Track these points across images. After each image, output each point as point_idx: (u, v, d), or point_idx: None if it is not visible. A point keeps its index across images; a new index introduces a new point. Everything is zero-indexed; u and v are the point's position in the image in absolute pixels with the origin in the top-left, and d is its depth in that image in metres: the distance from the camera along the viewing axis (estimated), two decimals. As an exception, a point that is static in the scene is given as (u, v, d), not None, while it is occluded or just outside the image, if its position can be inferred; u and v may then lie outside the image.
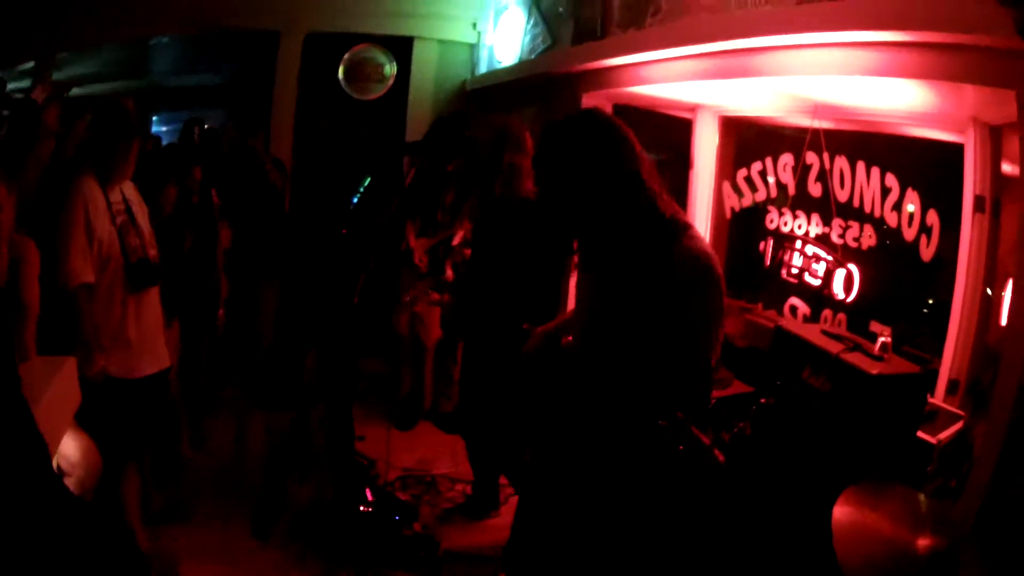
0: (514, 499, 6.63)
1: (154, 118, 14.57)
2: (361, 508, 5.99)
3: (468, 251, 6.97)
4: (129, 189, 5.52)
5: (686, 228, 3.50)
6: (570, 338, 4.37)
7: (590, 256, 3.85)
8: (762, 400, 4.53)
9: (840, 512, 3.19)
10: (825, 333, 4.63)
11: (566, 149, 3.53)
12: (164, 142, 10.02)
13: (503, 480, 6.78)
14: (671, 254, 3.39)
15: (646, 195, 3.50)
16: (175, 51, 15.12)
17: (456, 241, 7.27)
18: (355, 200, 6.24)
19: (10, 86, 11.72)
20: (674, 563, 3.67)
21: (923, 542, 3.07)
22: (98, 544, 1.66)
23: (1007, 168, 4.78)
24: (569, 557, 3.97)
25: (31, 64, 11.68)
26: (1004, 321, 4.55)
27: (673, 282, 3.36)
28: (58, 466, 3.84)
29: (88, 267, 5.10)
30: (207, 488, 6.67)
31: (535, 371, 4.40)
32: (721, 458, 3.35)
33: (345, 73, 11.16)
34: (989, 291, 4.87)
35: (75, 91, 12.60)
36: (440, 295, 7.42)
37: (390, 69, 11.20)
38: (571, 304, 4.90)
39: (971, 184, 4.91)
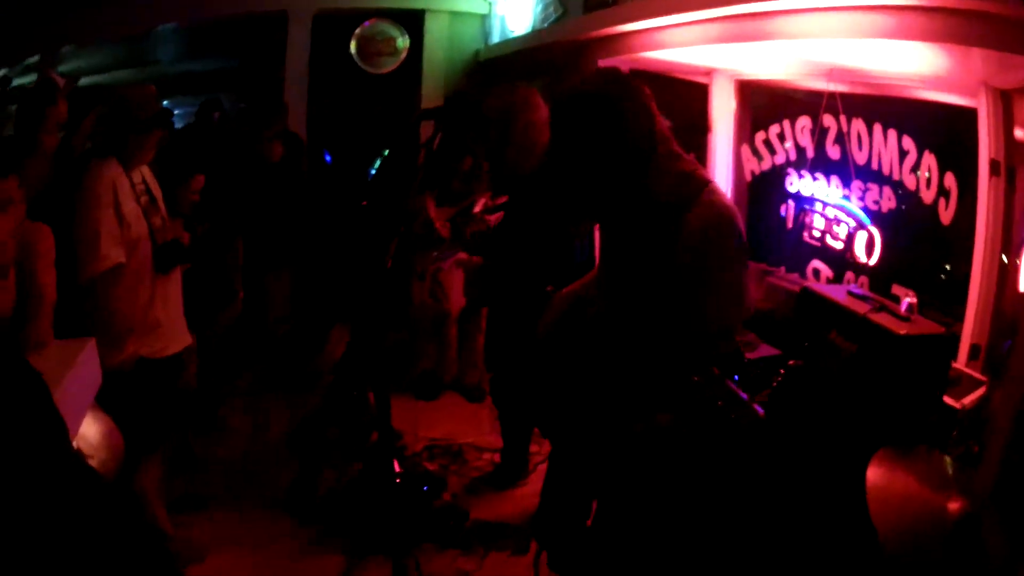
0: (543, 467, 6.68)
1: (164, 103, 14.49)
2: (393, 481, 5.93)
3: (490, 217, 6.97)
4: (146, 171, 5.51)
5: (706, 184, 3.50)
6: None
7: (607, 219, 3.86)
8: (790, 362, 4.54)
9: (872, 474, 3.22)
10: (851, 294, 4.61)
11: (580, 112, 3.53)
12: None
13: (533, 447, 6.78)
14: (685, 218, 3.39)
15: (662, 154, 3.50)
16: (181, 38, 15.02)
17: (477, 208, 7.26)
18: (372, 172, 6.27)
19: (15, 81, 11.75)
20: (710, 523, 3.70)
21: (952, 504, 3.11)
22: (119, 523, 1.69)
23: (1020, 133, 4.79)
24: (602, 523, 4.01)
25: (35, 59, 11.65)
26: (1022, 287, 4.57)
27: (689, 234, 3.37)
28: (79, 449, 3.88)
29: (120, 248, 5.06)
30: (225, 476, 6.67)
31: (557, 334, 4.42)
32: (761, 412, 3.38)
33: (357, 48, 11.11)
34: (1004, 258, 4.88)
35: (83, 81, 12.62)
36: (468, 255, 7.39)
37: (402, 42, 11.16)
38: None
39: (985, 149, 4.92)
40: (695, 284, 3.38)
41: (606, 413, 3.76)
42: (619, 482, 3.81)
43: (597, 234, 5.12)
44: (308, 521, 5.98)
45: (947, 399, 4.20)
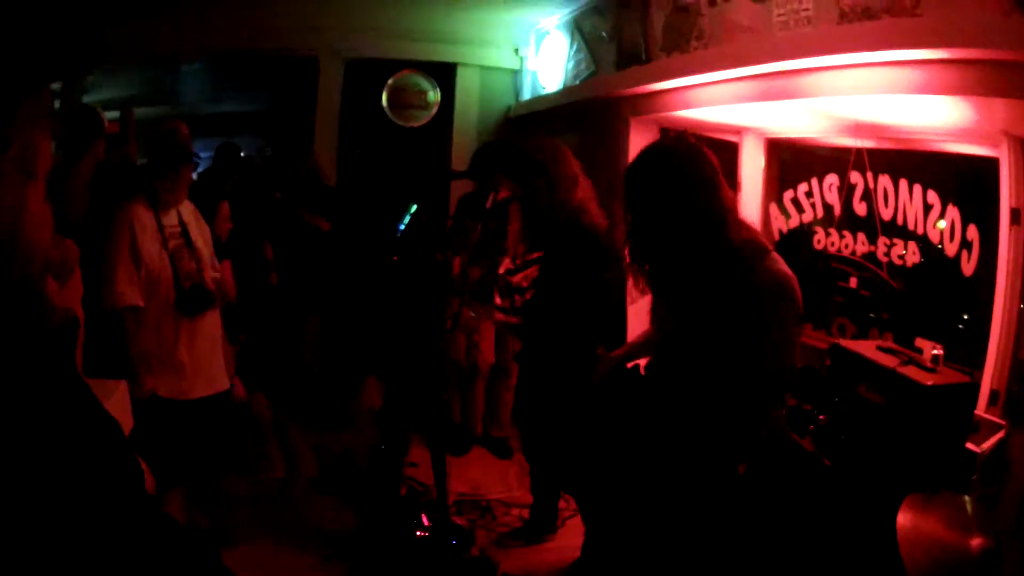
0: (571, 522, 6.71)
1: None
2: (418, 533, 5.99)
3: (514, 279, 7.01)
4: (187, 211, 5.59)
5: (767, 252, 3.61)
6: (639, 363, 4.47)
7: (668, 280, 3.94)
8: (820, 416, 4.62)
9: (903, 519, 3.29)
10: (880, 348, 4.69)
11: (656, 179, 3.63)
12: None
13: (561, 503, 6.78)
14: (753, 277, 3.50)
15: (730, 222, 3.61)
16: (207, 77, 15.04)
17: (501, 270, 7.29)
18: (401, 227, 6.30)
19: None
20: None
21: (975, 542, 3.18)
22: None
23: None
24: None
25: (58, 85, 11.66)
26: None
27: (757, 303, 3.47)
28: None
29: (135, 290, 5.19)
30: (253, 511, 6.69)
31: (607, 395, 4.47)
32: (827, 462, 3.47)
33: (389, 99, 11.09)
34: (1023, 305, 4.92)
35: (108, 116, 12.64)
36: (506, 315, 7.42)
37: (434, 96, 11.17)
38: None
39: (1007, 197, 4.97)
40: (762, 338, 3.48)
41: (668, 465, 3.84)
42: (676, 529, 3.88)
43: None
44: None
45: (968, 445, 4.25)
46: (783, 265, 3.68)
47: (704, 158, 3.70)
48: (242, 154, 9.85)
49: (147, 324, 5.30)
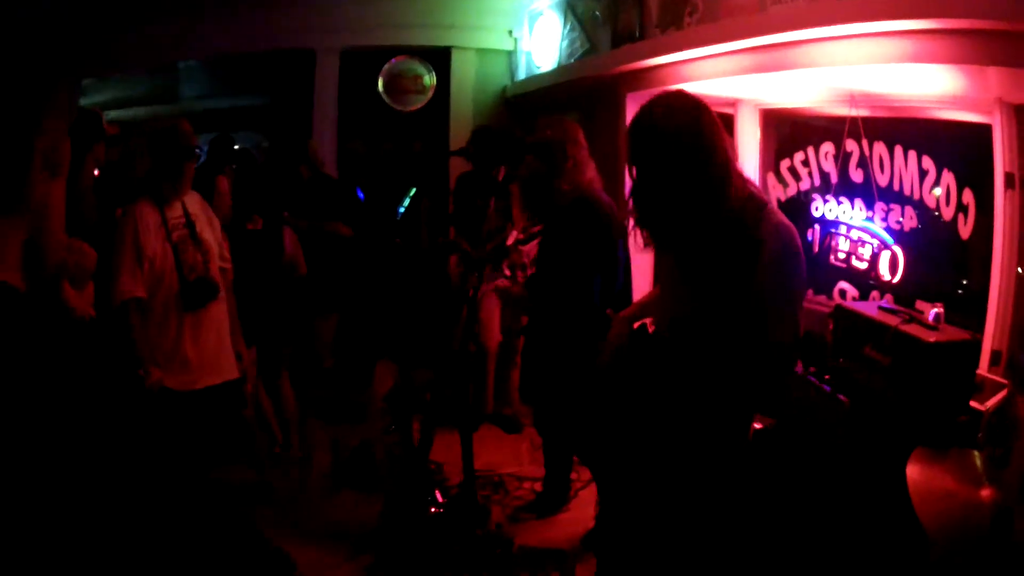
0: (583, 493, 6.81)
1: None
2: (432, 510, 6.00)
3: (525, 248, 7.06)
4: (194, 204, 5.65)
5: (765, 205, 3.67)
6: (647, 321, 4.51)
7: (673, 240, 3.97)
8: (826, 376, 4.72)
9: (912, 472, 3.39)
10: (882, 308, 4.78)
11: (661, 133, 3.65)
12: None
13: (572, 475, 6.86)
14: (760, 227, 3.56)
15: (733, 177, 3.66)
16: (206, 74, 15.05)
17: (510, 241, 7.28)
18: (401, 210, 6.36)
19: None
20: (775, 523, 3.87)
21: (985, 493, 3.28)
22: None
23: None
24: (666, 537, 4.13)
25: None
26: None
27: (765, 252, 3.53)
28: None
29: (137, 283, 5.26)
30: (272, 504, 6.72)
31: (623, 357, 4.50)
32: (846, 401, 3.54)
33: (385, 86, 11.04)
34: (1021, 270, 5.03)
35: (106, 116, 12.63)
36: (510, 281, 7.41)
37: (430, 80, 11.14)
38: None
39: (1000, 162, 5.07)
40: (776, 296, 3.57)
41: (686, 429, 3.91)
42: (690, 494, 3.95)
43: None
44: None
45: (972, 403, 4.35)
46: (782, 217, 3.70)
47: (707, 112, 3.71)
48: (236, 147, 9.86)
49: (152, 317, 5.36)
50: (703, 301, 3.80)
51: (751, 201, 3.66)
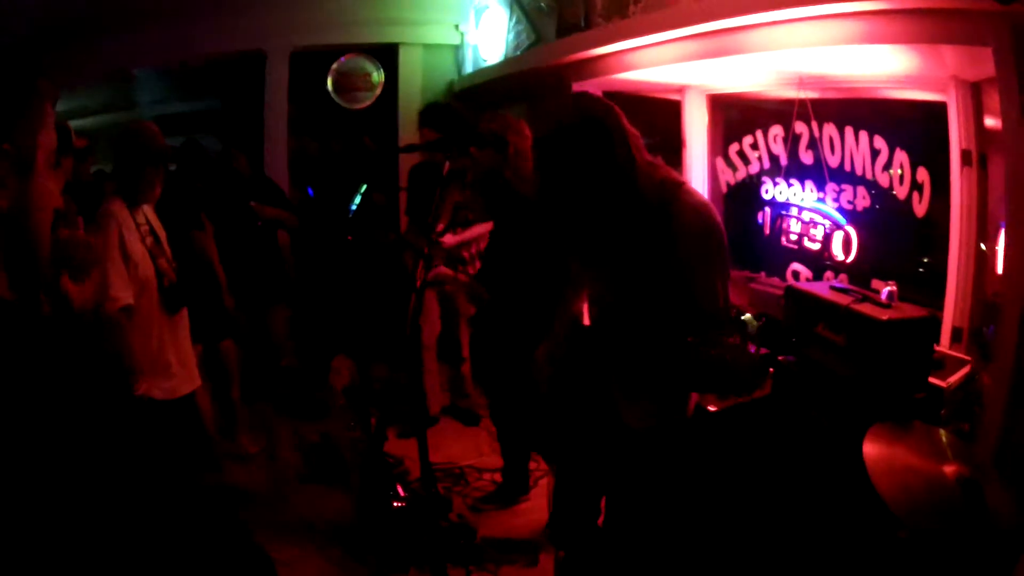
0: (543, 482, 6.84)
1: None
2: (395, 504, 6.00)
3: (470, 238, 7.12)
4: (148, 211, 5.57)
5: (680, 185, 3.70)
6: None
7: (591, 236, 4.00)
8: (780, 358, 4.74)
9: (869, 448, 3.42)
10: (834, 288, 4.81)
11: (573, 137, 3.69)
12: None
13: (531, 464, 6.89)
14: (672, 211, 3.59)
15: (640, 169, 3.69)
16: (162, 80, 14.91)
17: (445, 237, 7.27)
18: (353, 207, 6.35)
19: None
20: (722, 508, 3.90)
21: (950, 468, 3.31)
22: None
23: (990, 122, 4.98)
24: (622, 519, 4.17)
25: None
26: (1000, 268, 4.76)
27: (680, 234, 3.57)
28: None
29: (128, 290, 5.14)
30: (241, 502, 6.72)
31: (559, 348, 4.55)
32: (754, 350, 3.57)
33: (334, 84, 11.03)
34: (983, 246, 5.08)
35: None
36: (454, 271, 7.39)
37: (378, 77, 11.13)
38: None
39: (956, 140, 5.10)
40: (694, 264, 3.59)
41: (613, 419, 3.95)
42: (637, 475, 3.99)
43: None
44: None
45: (934, 379, 4.39)
46: (698, 195, 3.74)
47: (604, 108, 3.74)
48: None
49: (137, 324, 5.26)
50: (625, 282, 3.84)
51: (665, 184, 3.70)
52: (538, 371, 4.53)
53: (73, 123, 12.29)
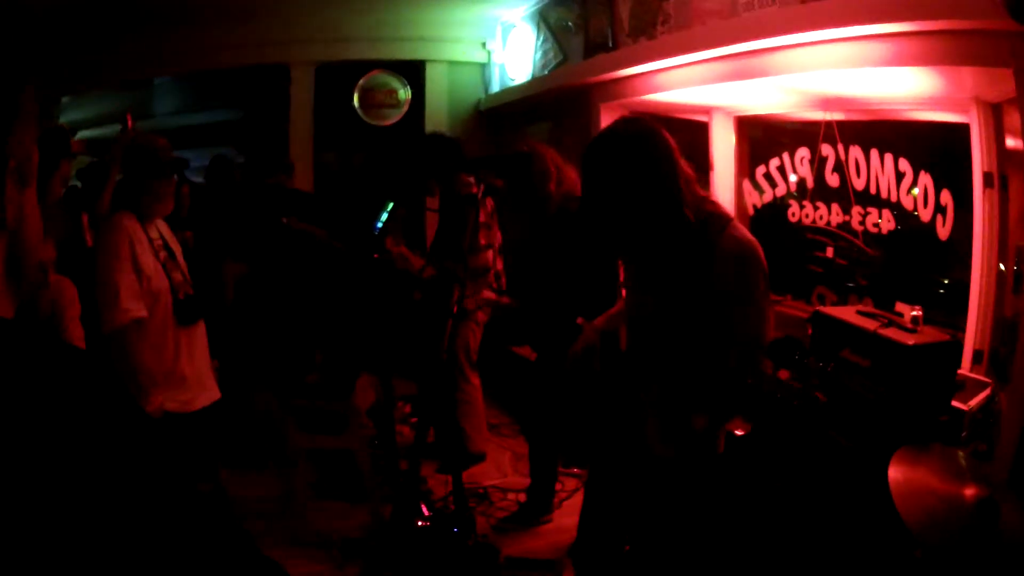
0: (567, 503, 6.85)
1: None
2: (419, 523, 5.98)
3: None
4: (162, 226, 5.55)
5: (729, 221, 3.74)
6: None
7: (637, 258, 4.05)
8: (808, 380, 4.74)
9: (894, 472, 3.41)
10: (860, 313, 4.80)
11: (611, 165, 3.74)
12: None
13: (556, 486, 6.89)
14: (717, 246, 3.62)
15: (688, 200, 3.72)
16: (180, 90, 14.99)
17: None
18: (379, 225, 6.36)
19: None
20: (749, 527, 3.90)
21: (969, 491, 3.31)
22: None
23: (1011, 143, 4.96)
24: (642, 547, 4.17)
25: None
26: (1019, 289, 4.74)
27: (719, 269, 3.60)
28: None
29: (139, 302, 5.10)
30: (260, 515, 6.70)
31: (586, 365, 4.58)
32: (822, 397, 3.58)
33: (360, 100, 11.10)
34: (1002, 266, 5.05)
35: (80, 134, 12.54)
36: (497, 295, 7.38)
37: (404, 94, 11.20)
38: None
39: (979, 161, 5.07)
40: (732, 300, 3.63)
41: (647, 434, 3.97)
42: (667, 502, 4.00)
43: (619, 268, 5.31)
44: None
45: (955, 403, 4.38)
46: (745, 232, 3.79)
47: (657, 136, 3.78)
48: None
49: (150, 338, 5.22)
50: (662, 304, 3.87)
51: (713, 218, 3.74)
52: (571, 365, 4.57)
53: (87, 132, 12.33)
